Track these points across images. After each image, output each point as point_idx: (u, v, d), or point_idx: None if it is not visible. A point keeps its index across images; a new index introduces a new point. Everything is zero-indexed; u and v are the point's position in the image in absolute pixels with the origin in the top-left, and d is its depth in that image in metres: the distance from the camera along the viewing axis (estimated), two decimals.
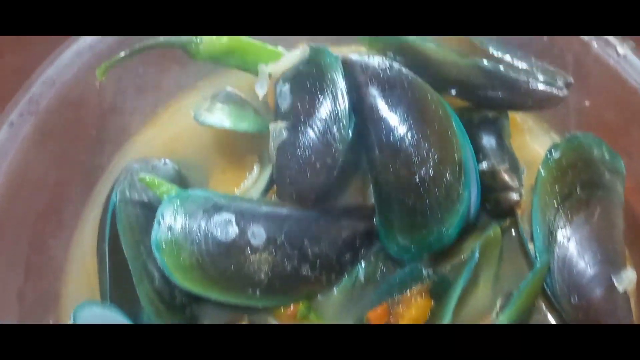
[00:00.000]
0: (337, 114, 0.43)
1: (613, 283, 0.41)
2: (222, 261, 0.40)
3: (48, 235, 0.46)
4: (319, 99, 0.44)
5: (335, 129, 0.43)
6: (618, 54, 0.45)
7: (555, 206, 0.43)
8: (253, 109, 0.49)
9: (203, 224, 0.40)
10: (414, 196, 0.41)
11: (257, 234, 0.41)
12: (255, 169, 0.48)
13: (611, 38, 0.46)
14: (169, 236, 0.39)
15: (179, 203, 0.40)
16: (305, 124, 0.43)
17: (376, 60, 0.43)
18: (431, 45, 0.46)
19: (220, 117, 0.45)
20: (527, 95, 0.46)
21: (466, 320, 0.42)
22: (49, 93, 0.42)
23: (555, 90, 0.45)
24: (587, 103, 0.48)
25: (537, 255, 0.42)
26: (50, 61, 0.43)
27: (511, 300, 0.40)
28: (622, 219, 0.44)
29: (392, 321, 0.41)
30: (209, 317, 0.43)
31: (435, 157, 0.41)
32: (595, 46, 0.46)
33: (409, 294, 0.42)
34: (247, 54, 0.48)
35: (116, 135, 0.49)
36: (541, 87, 0.45)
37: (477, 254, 0.41)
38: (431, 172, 0.41)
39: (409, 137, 0.41)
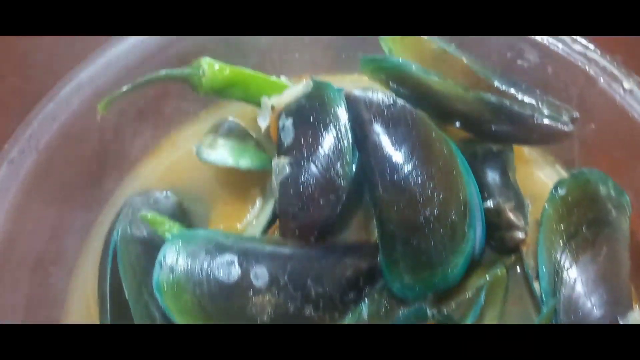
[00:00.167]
0: (341, 150, 0.43)
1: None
2: (225, 303, 0.39)
3: (49, 268, 0.45)
4: (322, 135, 0.43)
5: (338, 165, 0.43)
6: (624, 89, 0.45)
7: (562, 245, 0.43)
8: (255, 141, 0.49)
9: (205, 266, 0.39)
10: (418, 236, 0.41)
11: (260, 275, 0.40)
12: (258, 202, 0.48)
13: (617, 72, 0.45)
14: (171, 278, 0.39)
15: (180, 244, 0.39)
16: (308, 160, 0.43)
17: (380, 96, 0.43)
18: (434, 77, 0.46)
19: (223, 155, 0.44)
20: (532, 129, 0.45)
21: None
22: (49, 129, 0.42)
23: (560, 125, 0.45)
24: (592, 137, 0.47)
25: (543, 295, 0.42)
26: (50, 97, 0.42)
27: None
28: (628, 257, 0.43)
29: None
30: None
31: (440, 196, 0.40)
32: (602, 81, 0.46)
33: None
34: (249, 86, 0.47)
35: (117, 168, 0.48)
36: (546, 121, 0.45)
37: (482, 297, 0.40)
38: (436, 211, 0.40)
39: (414, 175, 0.41)
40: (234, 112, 0.51)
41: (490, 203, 0.43)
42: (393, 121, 0.42)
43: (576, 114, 0.45)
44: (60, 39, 0.66)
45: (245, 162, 0.45)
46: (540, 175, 0.51)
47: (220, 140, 0.45)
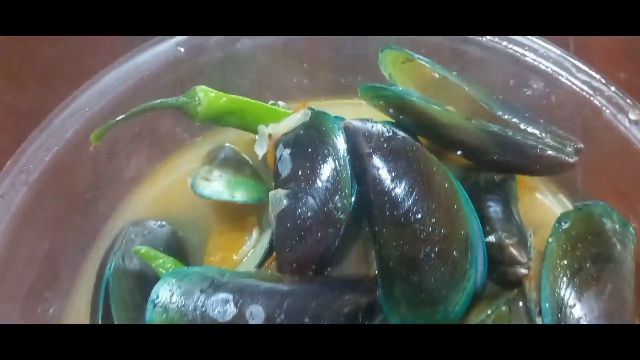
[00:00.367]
0: (339, 182, 0.42)
1: None
2: None
3: (43, 296, 0.44)
4: (320, 166, 0.42)
5: (337, 198, 0.42)
6: (630, 120, 0.44)
7: (565, 281, 0.42)
8: (252, 169, 0.48)
9: (200, 305, 0.38)
10: (419, 273, 0.39)
11: (256, 314, 0.39)
12: (255, 233, 0.47)
13: (623, 103, 0.44)
14: (164, 317, 0.38)
15: (174, 282, 0.38)
16: (306, 192, 0.42)
17: (379, 128, 0.42)
18: (435, 106, 0.45)
19: (218, 188, 0.43)
20: (535, 160, 0.44)
21: None
22: (40, 162, 0.41)
23: (564, 157, 0.44)
24: (597, 167, 0.46)
25: None
26: (42, 128, 0.41)
27: None
28: (633, 293, 0.42)
29: None
30: None
31: (441, 232, 0.39)
32: (607, 111, 0.45)
33: None
34: (246, 114, 0.46)
35: (111, 196, 0.47)
36: (550, 152, 0.44)
37: None
38: (437, 248, 0.39)
39: (414, 211, 0.39)
40: (231, 138, 0.50)
41: (492, 238, 0.42)
42: (393, 154, 0.41)
43: (581, 146, 0.44)
44: (53, 55, 0.66)
45: (241, 195, 0.44)
46: (543, 204, 0.50)
47: (215, 172, 0.44)
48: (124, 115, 0.42)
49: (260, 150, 0.46)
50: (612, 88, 0.45)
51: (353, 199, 0.42)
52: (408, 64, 0.48)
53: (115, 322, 0.40)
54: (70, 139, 0.42)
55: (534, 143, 0.44)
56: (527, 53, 0.47)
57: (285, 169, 0.43)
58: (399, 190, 0.40)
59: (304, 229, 0.41)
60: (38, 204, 0.41)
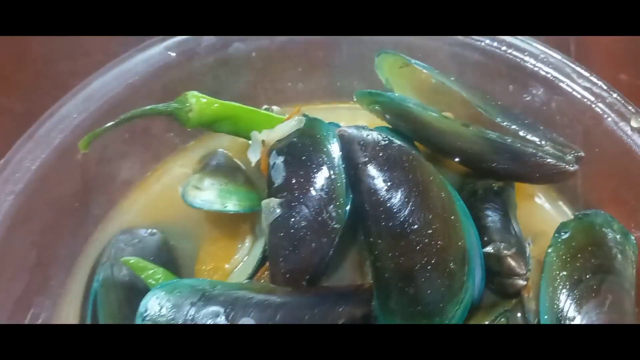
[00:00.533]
0: (334, 191, 0.41)
1: None
2: None
3: (32, 303, 0.44)
4: (314, 175, 0.41)
5: (331, 207, 0.41)
6: (632, 128, 0.43)
7: (565, 293, 0.41)
8: (245, 176, 0.47)
9: (190, 318, 0.37)
10: (414, 285, 0.38)
11: None
12: (247, 241, 0.46)
13: (625, 110, 0.43)
14: None
15: (163, 295, 0.37)
16: (300, 202, 0.41)
17: (375, 136, 0.40)
18: (432, 113, 0.44)
19: (209, 198, 0.42)
20: (535, 168, 0.43)
21: None
22: (27, 171, 0.40)
23: (564, 165, 0.43)
24: (598, 175, 0.45)
25: None
26: (28, 137, 0.40)
27: None
28: (633, 306, 0.41)
29: None
30: None
31: (438, 244, 0.38)
32: (608, 119, 0.44)
33: None
34: (239, 120, 0.45)
35: (101, 203, 0.46)
36: (550, 160, 0.43)
37: None
38: (433, 260, 0.38)
39: (410, 222, 0.38)
40: (225, 143, 0.49)
41: (490, 249, 0.41)
42: (389, 164, 0.39)
43: (581, 153, 0.43)
44: (45, 55, 0.65)
45: (232, 204, 0.43)
46: (543, 211, 0.49)
47: (207, 180, 0.43)
48: (113, 122, 0.41)
49: (254, 157, 0.45)
50: (614, 95, 0.44)
51: (348, 208, 0.41)
52: (405, 69, 0.47)
53: None
54: (58, 147, 0.41)
55: (534, 151, 0.42)
56: (527, 58, 0.46)
57: (278, 177, 0.42)
58: (395, 200, 0.39)
59: (298, 238, 0.40)
60: (25, 214, 0.40)
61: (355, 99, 0.46)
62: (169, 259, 0.45)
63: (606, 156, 0.45)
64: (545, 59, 0.46)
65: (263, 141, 0.45)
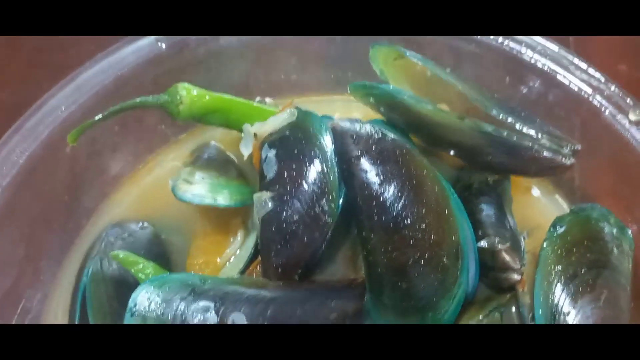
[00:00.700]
0: (326, 185, 0.40)
1: None
2: None
3: (20, 304, 0.43)
4: (306, 168, 0.41)
5: (323, 201, 0.40)
6: (630, 121, 0.42)
7: (560, 288, 0.40)
8: (237, 169, 0.46)
9: (179, 313, 0.37)
10: (407, 279, 0.38)
11: (238, 322, 0.38)
12: (239, 235, 0.45)
13: (623, 103, 0.43)
14: None
15: (153, 289, 0.37)
16: (292, 195, 0.40)
17: (368, 129, 0.40)
18: (427, 106, 0.43)
19: (200, 192, 0.41)
20: (530, 161, 0.43)
21: None
22: (14, 165, 0.39)
23: (560, 158, 0.42)
24: (595, 168, 0.45)
25: None
26: (15, 130, 0.40)
27: None
28: (629, 301, 0.41)
29: None
30: None
31: (431, 239, 0.38)
32: (606, 112, 0.43)
33: None
34: (231, 113, 0.44)
35: (91, 197, 0.46)
36: (546, 154, 0.42)
37: None
38: (427, 255, 0.38)
39: (403, 216, 0.38)
40: (217, 136, 0.48)
41: (484, 243, 0.41)
42: (382, 157, 0.39)
43: (578, 146, 0.42)
44: (37, 46, 0.64)
45: (223, 198, 0.42)
46: (539, 204, 0.48)
47: (197, 174, 0.42)
48: (102, 115, 0.40)
49: (246, 150, 0.44)
50: (612, 87, 0.43)
51: (340, 202, 0.41)
52: (400, 61, 0.46)
53: None
54: (46, 140, 0.41)
55: (530, 144, 0.42)
56: (523, 50, 0.45)
57: (270, 171, 0.41)
58: (388, 194, 0.39)
59: (290, 232, 0.40)
60: (13, 209, 0.40)
61: (349, 92, 0.45)
62: (160, 252, 0.44)
63: (603, 149, 0.44)
64: (542, 51, 0.45)
65: (255, 134, 0.44)
